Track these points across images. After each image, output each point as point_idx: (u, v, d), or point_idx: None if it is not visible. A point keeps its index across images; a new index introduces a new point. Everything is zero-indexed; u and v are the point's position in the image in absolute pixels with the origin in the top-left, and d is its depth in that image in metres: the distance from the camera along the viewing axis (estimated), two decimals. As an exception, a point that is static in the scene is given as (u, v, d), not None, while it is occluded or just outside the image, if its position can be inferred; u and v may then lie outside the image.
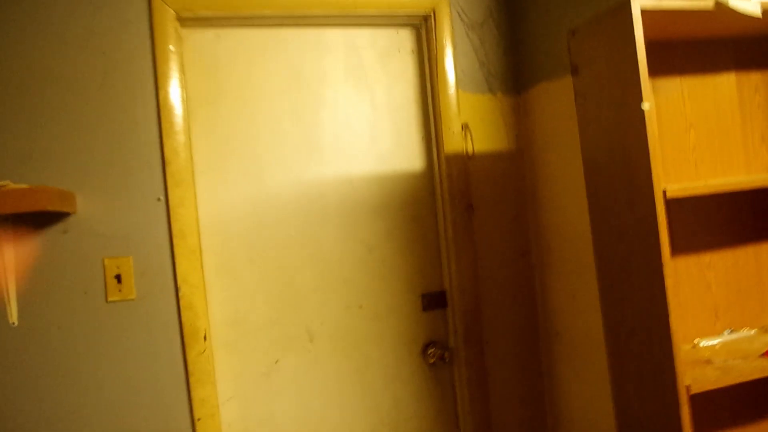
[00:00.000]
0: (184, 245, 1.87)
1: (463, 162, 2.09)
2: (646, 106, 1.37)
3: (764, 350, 1.55)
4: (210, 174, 1.97)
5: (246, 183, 2.00)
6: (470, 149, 2.10)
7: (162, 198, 1.88)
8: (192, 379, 1.86)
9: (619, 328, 1.55)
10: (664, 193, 1.40)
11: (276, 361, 2.00)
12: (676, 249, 1.72)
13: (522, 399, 2.15)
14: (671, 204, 1.71)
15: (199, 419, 1.86)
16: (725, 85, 1.76)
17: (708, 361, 1.53)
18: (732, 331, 1.71)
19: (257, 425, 1.97)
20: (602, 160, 1.55)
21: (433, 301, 2.12)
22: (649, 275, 1.43)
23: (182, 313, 1.86)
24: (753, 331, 1.72)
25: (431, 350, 2.10)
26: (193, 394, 1.86)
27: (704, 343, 1.66)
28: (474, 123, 2.12)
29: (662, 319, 1.39)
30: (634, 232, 1.46)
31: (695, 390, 1.38)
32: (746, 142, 1.77)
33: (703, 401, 1.73)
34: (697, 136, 1.72)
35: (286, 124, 2.03)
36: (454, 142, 2.09)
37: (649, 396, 1.46)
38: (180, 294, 1.86)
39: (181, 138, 1.89)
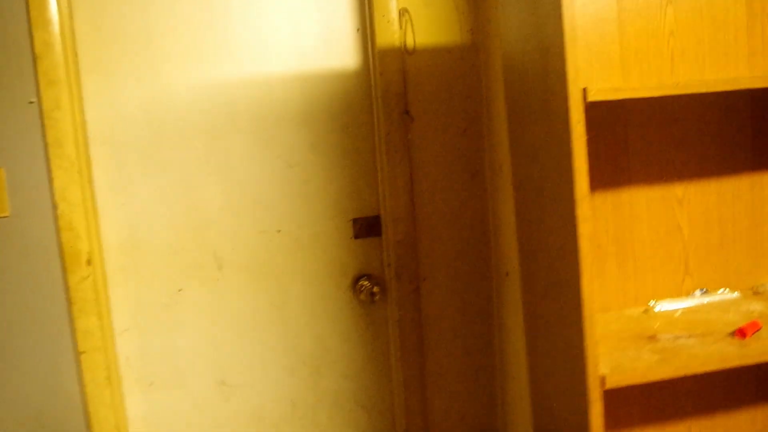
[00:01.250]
0: (61, 155, 1.61)
1: (400, 58, 1.70)
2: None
3: (740, 325, 1.15)
4: (98, 73, 1.68)
5: (141, 83, 1.69)
6: (410, 42, 1.69)
7: (35, 100, 1.61)
8: (74, 309, 1.65)
9: (533, 282, 1.19)
10: (584, 94, 1.00)
11: (179, 290, 1.76)
12: (633, 175, 1.30)
13: (466, 348, 1.83)
14: (632, 113, 1.28)
15: (83, 352, 1.66)
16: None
17: (652, 337, 1.15)
18: (705, 292, 1.31)
19: (158, 359, 1.76)
20: (519, 54, 1.14)
21: (366, 227, 1.80)
22: (563, 213, 1.05)
23: (61, 234, 1.63)
24: (735, 294, 1.30)
25: (362, 284, 1.80)
26: (76, 324, 1.65)
27: (662, 306, 1.27)
28: (416, 8, 1.70)
29: (573, 276, 1.02)
30: (546, 151, 1.07)
31: (612, 384, 1.02)
32: (753, 27, 1.28)
33: (631, 392, 1.35)
34: (677, 16, 1.25)
35: (188, 11, 1.69)
36: (389, 32, 1.69)
37: (560, 383, 1.12)
38: (58, 212, 1.62)
39: (54, 29, 1.59)
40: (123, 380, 1.76)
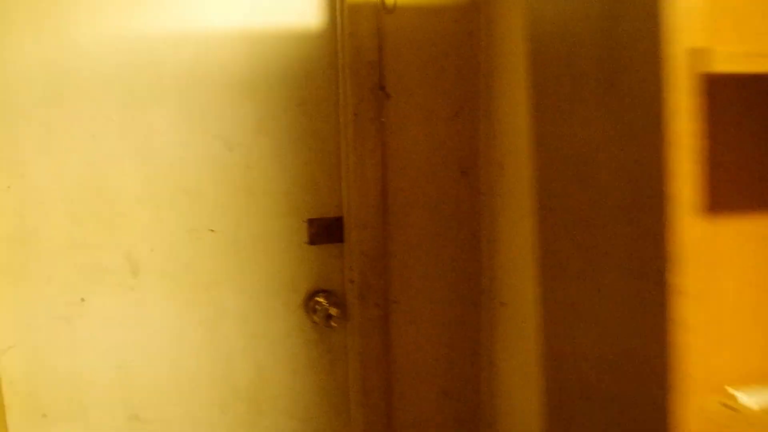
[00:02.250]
0: (-76, 121, 1.23)
1: (376, 17, 1.30)
2: None
3: None
4: (-16, 17, 1.29)
5: (39, 37, 1.30)
6: (389, -4, 1.30)
7: None
8: (-64, 319, 1.27)
9: (567, 350, 0.81)
10: (700, 59, 0.60)
11: (81, 299, 1.38)
12: (714, 203, 0.90)
13: (446, 392, 1.45)
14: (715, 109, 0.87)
15: (-55, 375, 1.28)
16: None
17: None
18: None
19: (53, 385, 1.39)
20: (560, 11, 0.75)
21: (325, 231, 1.41)
22: (646, 250, 0.66)
23: None
24: None
25: (318, 303, 1.42)
26: (-62, 339, 1.28)
27: (744, 396, 0.87)
28: (399, -47, 1.30)
29: (667, 346, 0.64)
30: (610, 154, 0.69)
31: None
32: None
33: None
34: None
35: (100, -59, 1.29)
36: (361, -18, 1.30)
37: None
38: None
39: None
40: (7, 411, 1.38)
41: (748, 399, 0.82)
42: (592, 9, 0.72)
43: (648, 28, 0.59)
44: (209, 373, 1.43)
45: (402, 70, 1.33)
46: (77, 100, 1.32)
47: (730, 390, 0.84)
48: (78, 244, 1.36)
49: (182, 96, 1.34)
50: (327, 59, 1.38)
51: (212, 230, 1.39)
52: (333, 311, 1.39)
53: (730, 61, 0.58)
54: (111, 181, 1.35)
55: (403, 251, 1.38)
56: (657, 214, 0.61)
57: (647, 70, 0.60)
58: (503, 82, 1.29)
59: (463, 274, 1.42)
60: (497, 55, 1.30)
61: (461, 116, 1.37)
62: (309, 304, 1.43)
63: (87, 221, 1.35)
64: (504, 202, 1.29)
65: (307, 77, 1.38)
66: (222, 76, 1.35)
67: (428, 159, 1.37)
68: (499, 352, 1.37)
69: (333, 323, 1.41)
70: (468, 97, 1.37)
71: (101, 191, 1.35)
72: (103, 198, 1.35)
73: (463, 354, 1.44)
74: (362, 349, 1.38)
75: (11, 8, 1.29)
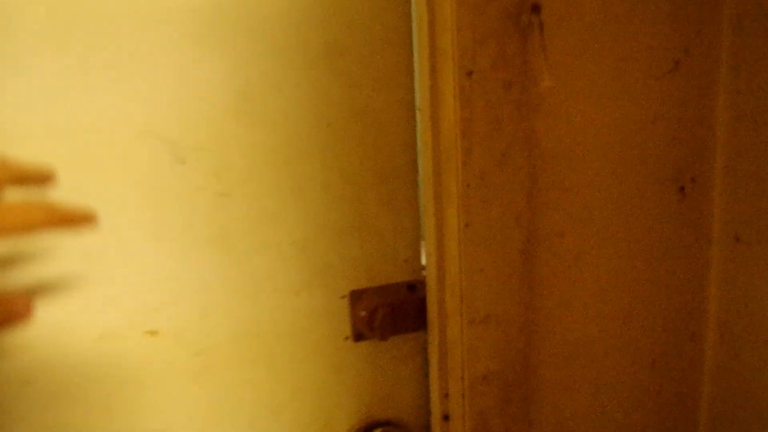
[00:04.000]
0: None
1: None
2: None
3: None
4: None
5: None
6: None
7: None
8: None
9: None
10: None
11: None
12: None
13: None
14: None
15: None
16: None
17: None
18: None
19: None
20: None
21: (389, 312, 0.69)
22: None
23: None
24: None
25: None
26: None
27: None
28: None
29: None
30: None
31: None
32: None
33: None
34: None
35: None
36: None
37: None
38: None
39: None
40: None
41: None
42: None
43: None
44: None
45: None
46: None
47: None
48: None
49: (95, 37, 0.57)
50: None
51: (150, 331, 0.65)
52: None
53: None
54: None
55: (567, 366, 0.69)
56: None
57: None
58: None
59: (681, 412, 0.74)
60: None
61: (683, 70, 0.66)
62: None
63: None
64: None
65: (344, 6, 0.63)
66: (175, 5, 0.59)
67: (620, 162, 0.66)
68: None
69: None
70: (695, 34, 0.66)
71: None
72: None
73: None
74: None
75: None
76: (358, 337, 0.69)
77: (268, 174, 0.61)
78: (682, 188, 0.70)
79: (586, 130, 0.65)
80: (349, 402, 0.69)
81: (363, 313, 0.68)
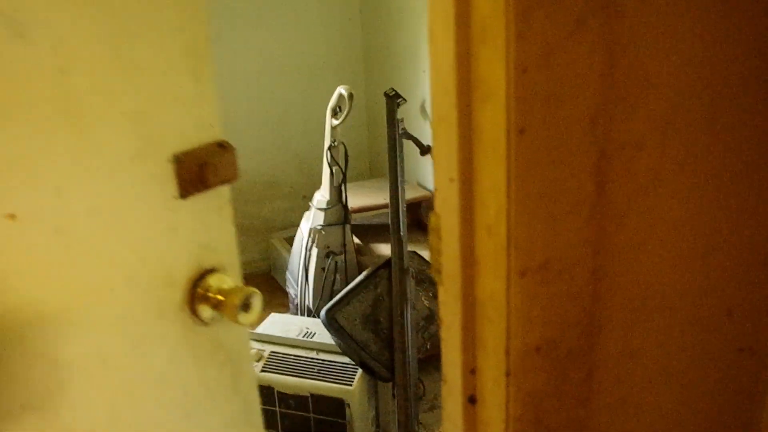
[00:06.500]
0: None
1: None
2: None
3: None
4: None
5: None
6: None
7: None
8: None
9: None
10: None
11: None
12: None
13: None
14: None
15: None
16: None
17: None
18: None
19: None
20: None
21: (207, 169, 0.70)
22: None
23: None
24: None
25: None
26: None
27: None
28: None
29: None
30: None
31: None
32: None
33: None
34: None
35: None
36: None
37: None
38: None
39: None
40: None
41: None
42: None
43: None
44: None
45: None
46: None
47: None
48: None
49: None
50: None
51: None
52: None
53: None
54: None
55: (634, 326, 0.50)
56: None
57: None
58: None
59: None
60: None
61: None
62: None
63: None
64: None
65: None
66: None
67: (717, 46, 0.46)
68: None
69: None
70: None
71: None
72: None
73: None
74: None
75: None
76: (184, 194, 0.67)
77: (101, 49, 0.59)
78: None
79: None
80: (182, 253, 0.69)
81: (191, 171, 0.67)
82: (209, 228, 0.70)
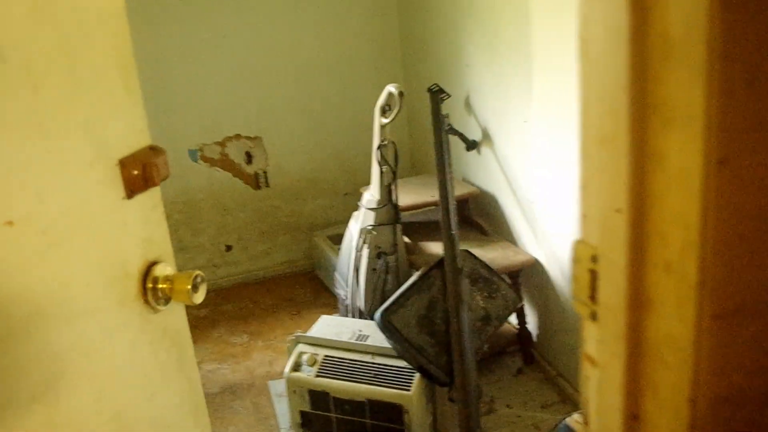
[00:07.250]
0: None
1: None
2: None
3: None
4: None
5: None
6: None
7: None
8: None
9: None
10: None
11: None
12: None
13: None
14: None
15: None
16: None
17: None
18: None
19: None
20: None
21: (148, 169, 0.82)
22: None
23: None
24: None
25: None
26: None
27: None
28: None
29: None
30: None
31: None
32: None
33: None
34: None
35: None
36: None
37: None
38: None
39: None
40: None
41: None
42: None
43: None
44: None
45: None
46: None
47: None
48: None
49: None
50: None
51: None
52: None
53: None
54: None
55: None
56: None
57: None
58: None
59: None
60: None
61: None
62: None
63: None
64: None
65: None
66: None
67: None
68: None
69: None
70: None
71: None
72: None
73: None
74: None
75: None
76: (129, 194, 0.76)
77: (60, 68, 0.66)
78: None
79: None
80: (132, 247, 0.78)
81: (134, 173, 0.75)
82: (149, 223, 0.80)
